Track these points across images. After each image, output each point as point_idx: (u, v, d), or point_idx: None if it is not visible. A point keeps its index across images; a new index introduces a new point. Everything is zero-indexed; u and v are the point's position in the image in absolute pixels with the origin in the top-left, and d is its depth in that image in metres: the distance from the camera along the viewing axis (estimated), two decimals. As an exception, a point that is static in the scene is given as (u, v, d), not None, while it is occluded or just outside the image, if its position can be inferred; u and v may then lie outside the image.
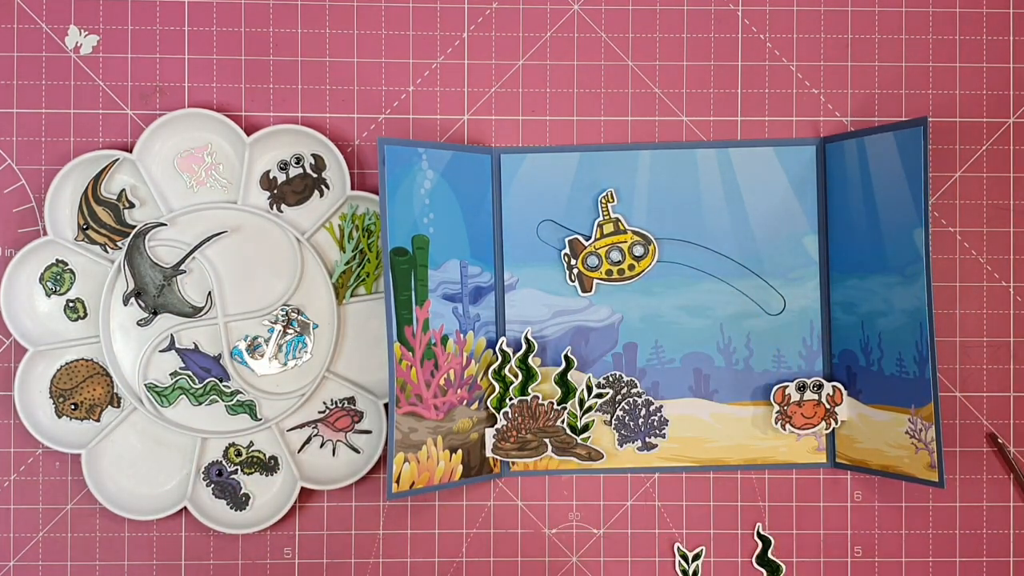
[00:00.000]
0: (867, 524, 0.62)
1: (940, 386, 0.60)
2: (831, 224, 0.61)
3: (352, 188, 0.61)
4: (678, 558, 0.62)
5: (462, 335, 0.60)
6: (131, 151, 0.60)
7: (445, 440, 0.59)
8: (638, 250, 0.61)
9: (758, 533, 0.61)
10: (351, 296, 0.61)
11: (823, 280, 0.61)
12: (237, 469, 0.61)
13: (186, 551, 0.62)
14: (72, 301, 0.61)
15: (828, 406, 0.61)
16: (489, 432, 0.61)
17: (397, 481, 0.57)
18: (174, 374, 0.61)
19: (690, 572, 0.62)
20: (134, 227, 0.60)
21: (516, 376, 0.61)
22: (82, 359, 0.61)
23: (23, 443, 0.61)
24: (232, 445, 0.61)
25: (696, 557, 0.62)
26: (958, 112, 0.62)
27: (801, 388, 0.61)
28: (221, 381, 0.61)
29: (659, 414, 0.62)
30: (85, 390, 0.61)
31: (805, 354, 0.62)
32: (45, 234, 0.60)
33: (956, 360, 0.62)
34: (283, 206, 0.61)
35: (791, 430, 0.61)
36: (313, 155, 0.61)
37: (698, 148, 0.61)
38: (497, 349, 0.61)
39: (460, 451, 0.60)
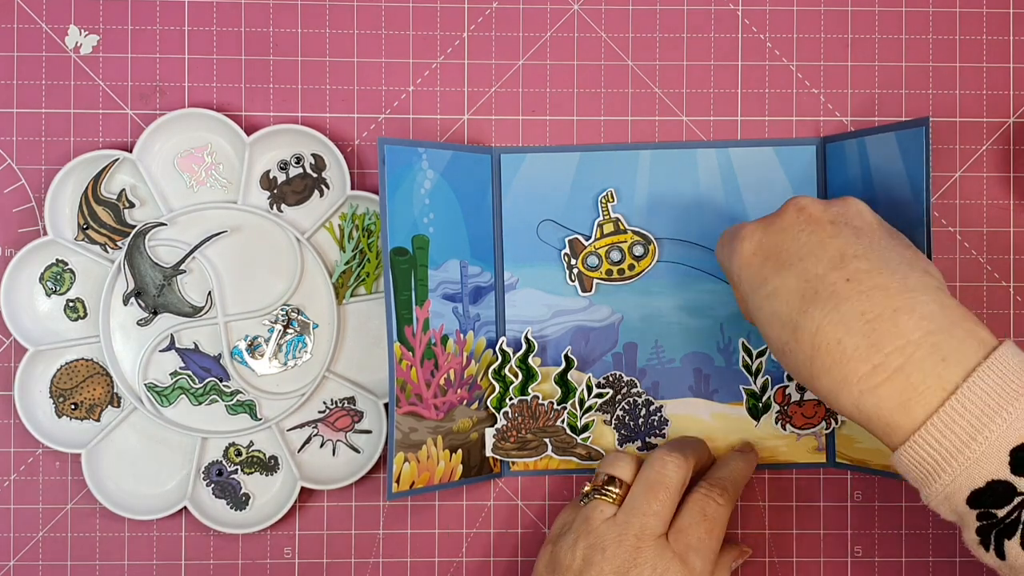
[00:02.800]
0: (867, 524, 0.62)
1: (940, 386, 0.60)
2: (831, 224, 0.61)
3: (352, 188, 0.61)
4: None
5: (462, 335, 0.60)
6: (131, 151, 0.60)
7: (445, 440, 0.59)
8: (638, 250, 0.61)
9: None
10: (351, 296, 0.61)
11: (823, 280, 0.61)
12: (237, 469, 0.61)
13: (186, 551, 0.62)
14: (72, 301, 0.61)
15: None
16: (489, 432, 0.61)
17: (397, 481, 0.57)
18: (174, 374, 0.61)
19: None
20: (134, 227, 0.60)
21: (516, 376, 0.61)
22: (82, 359, 0.61)
23: (23, 443, 0.61)
24: (232, 445, 0.61)
25: None
26: (958, 112, 0.62)
27: (802, 388, 0.61)
28: (221, 381, 0.61)
29: (659, 414, 0.62)
30: (85, 390, 0.61)
31: (805, 354, 0.62)
32: (45, 234, 0.61)
33: (956, 360, 0.62)
34: (283, 206, 0.61)
35: (791, 430, 0.61)
36: (313, 155, 0.61)
37: (698, 148, 0.62)
38: (497, 349, 0.61)
39: (460, 451, 0.60)
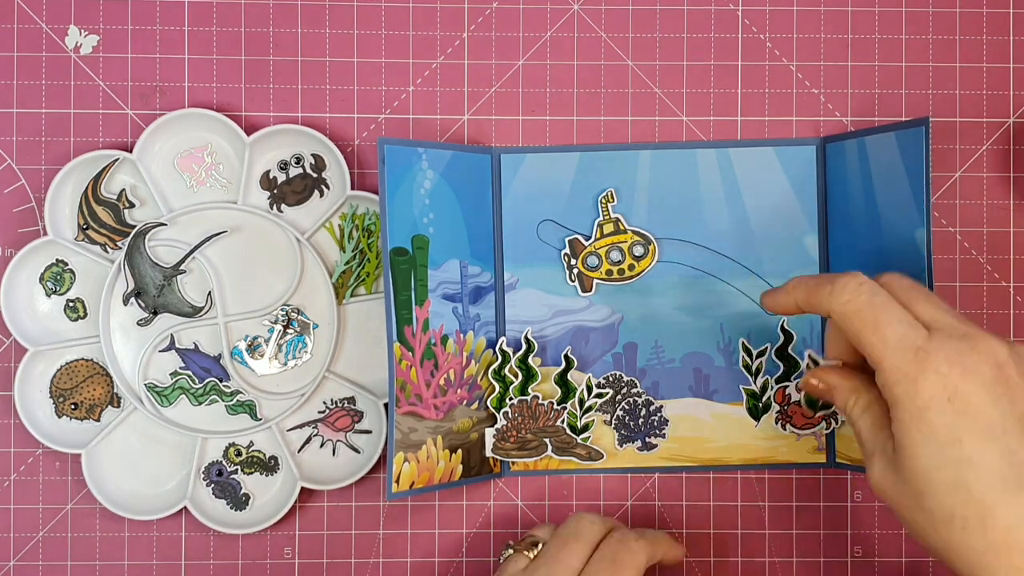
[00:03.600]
0: (867, 524, 0.62)
1: (940, 386, 0.60)
2: (831, 224, 0.61)
3: (352, 188, 0.61)
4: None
5: (462, 335, 0.60)
6: (131, 151, 0.60)
7: (445, 440, 0.59)
8: (638, 250, 0.61)
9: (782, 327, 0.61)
10: (351, 296, 0.61)
11: (823, 280, 0.61)
12: (237, 469, 0.61)
13: (186, 551, 0.62)
14: (72, 301, 0.61)
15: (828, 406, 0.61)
16: (489, 432, 0.61)
17: (397, 481, 0.57)
18: (174, 374, 0.61)
19: None
20: (134, 227, 0.60)
21: (516, 376, 0.61)
22: (82, 359, 0.61)
23: (23, 443, 0.61)
24: (232, 445, 0.61)
25: None
26: (958, 112, 0.62)
27: (801, 388, 0.61)
28: (221, 381, 0.61)
29: (659, 414, 0.62)
30: (85, 390, 0.61)
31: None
32: (45, 234, 0.61)
33: (956, 360, 0.62)
34: (283, 206, 0.61)
35: (791, 430, 0.61)
36: (313, 155, 0.61)
37: (698, 148, 0.62)
38: (497, 349, 0.61)
39: (460, 451, 0.60)
